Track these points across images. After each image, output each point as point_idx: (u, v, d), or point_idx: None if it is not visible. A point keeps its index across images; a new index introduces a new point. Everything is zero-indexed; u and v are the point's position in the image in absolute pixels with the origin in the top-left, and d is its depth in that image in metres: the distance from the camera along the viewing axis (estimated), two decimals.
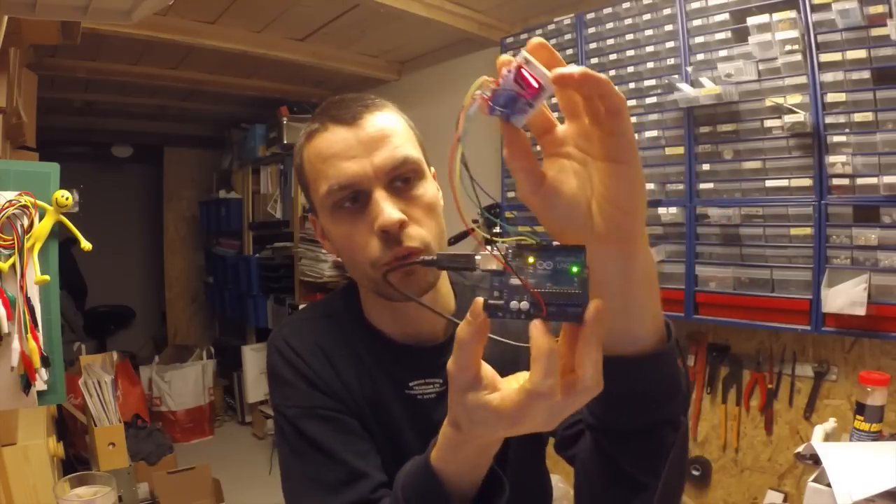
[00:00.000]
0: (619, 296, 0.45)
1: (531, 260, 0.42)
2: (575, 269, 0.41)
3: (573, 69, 0.38)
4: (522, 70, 0.38)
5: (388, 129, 0.71)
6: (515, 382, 0.46)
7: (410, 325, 0.77)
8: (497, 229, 2.45)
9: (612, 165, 0.41)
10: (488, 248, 0.43)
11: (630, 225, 0.43)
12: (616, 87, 0.39)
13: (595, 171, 0.43)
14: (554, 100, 0.42)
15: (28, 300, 0.76)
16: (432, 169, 0.79)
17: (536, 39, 0.40)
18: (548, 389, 0.40)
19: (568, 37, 2.14)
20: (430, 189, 0.73)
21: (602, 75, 0.38)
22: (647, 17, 1.91)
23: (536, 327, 0.41)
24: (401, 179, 0.70)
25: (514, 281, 0.42)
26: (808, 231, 1.60)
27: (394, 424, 0.76)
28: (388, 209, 0.67)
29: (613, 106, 0.39)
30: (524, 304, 0.41)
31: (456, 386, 0.45)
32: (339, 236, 0.72)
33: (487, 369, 0.46)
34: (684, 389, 0.51)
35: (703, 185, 1.81)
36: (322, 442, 0.71)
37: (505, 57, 0.40)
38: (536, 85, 0.38)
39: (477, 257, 0.44)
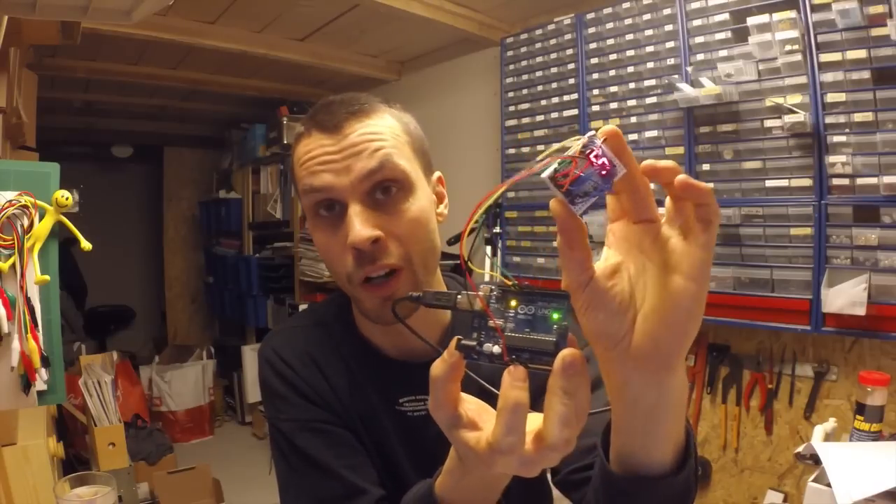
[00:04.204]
0: (644, 420, 0.42)
1: (514, 303, 0.40)
2: (555, 317, 0.39)
3: (669, 164, 0.36)
4: (597, 149, 0.36)
5: (372, 137, 0.66)
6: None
7: (401, 339, 0.75)
8: (497, 229, 2.45)
9: (678, 280, 0.37)
10: (482, 285, 0.42)
11: (674, 351, 0.39)
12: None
13: (655, 282, 0.38)
14: None
15: (28, 300, 0.76)
16: (437, 173, 0.76)
17: (611, 128, 0.36)
18: (507, 447, 0.38)
19: (568, 37, 2.14)
20: (417, 203, 0.67)
21: (706, 185, 0.35)
22: (647, 17, 1.91)
23: (508, 375, 0.38)
24: (380, 190, 0.66)
25: (493, 323, 0.40)
26: (808, 231, 1.60)
27: (384, 440, 0.75)
28: (358, 226, 0.63)
29: (707, 217, 0.36)
30: (496, 349, 0.39)
31: (439, 422, 0.43)
32: (318, 244, 0.70)
33: (470, 405, 0.44)
34: (695, 484, 0.49)
35: None
36: (317, 457, 0.70)
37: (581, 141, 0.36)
38: (609, 166, 0.36)
39: (458, 297, 0.42)
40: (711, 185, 0.36)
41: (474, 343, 0.40)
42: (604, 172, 0.36)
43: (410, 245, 0.66)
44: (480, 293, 0.41)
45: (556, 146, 0.36)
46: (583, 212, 0.37)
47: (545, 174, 0.36)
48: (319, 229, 0.69)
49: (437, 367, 0.42)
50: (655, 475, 0.44)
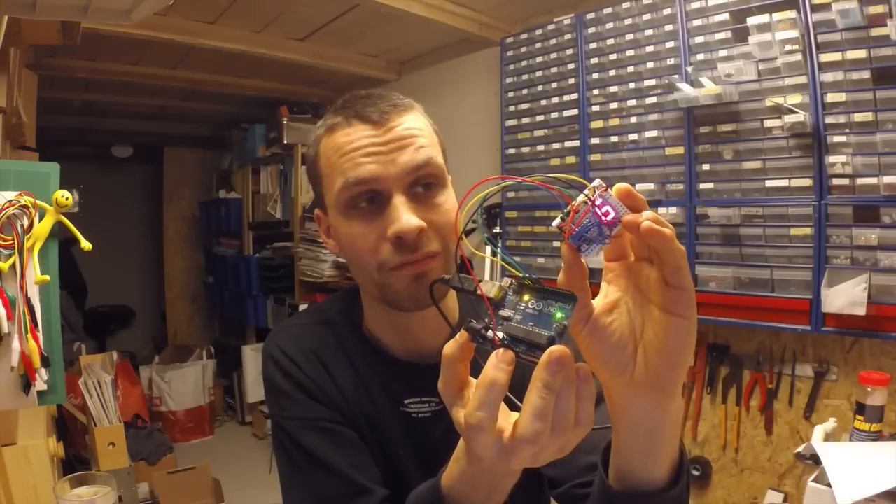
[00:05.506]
0: (644, 439, 0.45)
1: (526, 297, 0.43)
2: (559, 315, 0.41)
3: (643, 216, 0.39)
4: (603, 200, 0.40)
5: (415, 131, 0.68)
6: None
7: (411, 338, 0.75)
8: (497, 229, 2.45)
9: (669, 317, 0.41)
10: (504, 276, 0.45)
11: (673, 378, 0.42)
12: (677, 242, 0.39)
13: (649, 318, 0.43)
14: None
15: (28, 300, 0.76)
16: (449, 177, 0.76)
17: (625, 186, 0.40)
18: (476, 421, 0.40)
19: (568, 37, 2.14)
20: (450, 199, 0.70)
21: (666, 230, 0.38)
22: (647, 17, 1.91)
23: (494, 357, 0.41)
24: (422, 185, 0.67)
25: (504, 312, 0.43)
26: (808, 231, 1.60)
27: (388, 440, 0.74)
28: (406, 215, 0.64)
29: (674, 262, 0.39)
30: (497, 336, 0.42)
31: (444, 400, 0.46)
32: (348, 237, 0.69)
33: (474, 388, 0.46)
34: (687, 497, 0.52)
35: (703, 185, 1.81)
36: (322, 455, 0.70)
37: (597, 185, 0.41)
38: (613, 214, 0.40)
39: (480, 284, 0.45)
40: (670, 229, 0.39)
41: (480, 327, 0.43)
42: (607, 220, 0.40)
43: (446, 237, 0.68)
44: (499, 283, 0.44)
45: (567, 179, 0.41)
46: (588, 256, 0.42)
47: (554, 224, 0.41)
48: (353, 220, 0.68)
49: (448, 346, 0.44)
50: (653, 491, 0.47)
